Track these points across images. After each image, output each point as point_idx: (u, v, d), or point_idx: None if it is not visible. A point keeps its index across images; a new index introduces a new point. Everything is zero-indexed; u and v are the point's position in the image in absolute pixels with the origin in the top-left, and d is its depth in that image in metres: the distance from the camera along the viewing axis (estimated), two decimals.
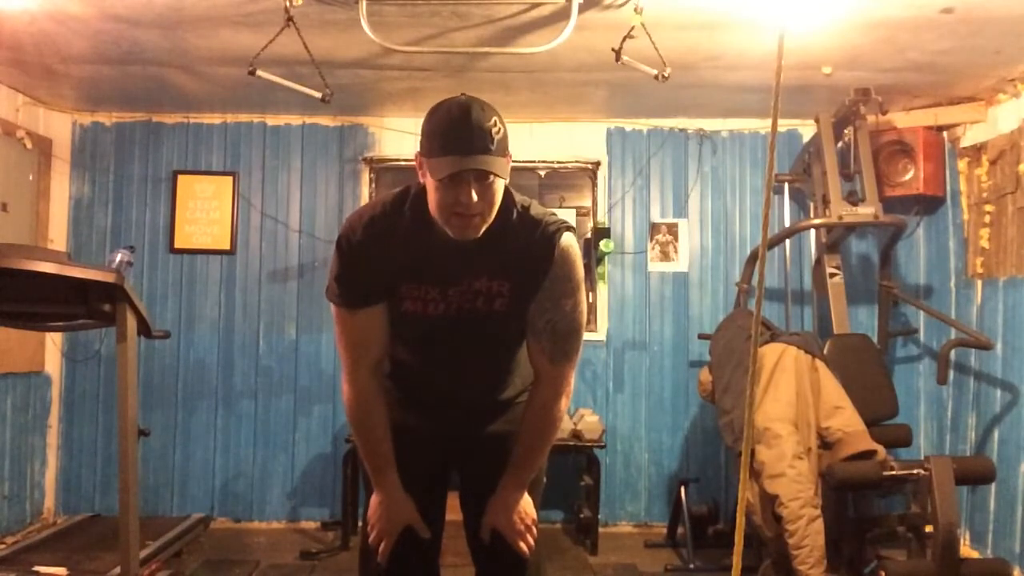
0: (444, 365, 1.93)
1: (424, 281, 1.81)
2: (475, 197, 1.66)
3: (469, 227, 1.71)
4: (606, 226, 4.89)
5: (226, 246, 4.92)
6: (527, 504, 1.96)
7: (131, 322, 2.76)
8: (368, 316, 1.84)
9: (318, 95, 3.75)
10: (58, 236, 4.83)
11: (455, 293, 1.81)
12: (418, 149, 1.75)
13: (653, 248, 4.97)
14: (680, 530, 4.33)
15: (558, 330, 1.83)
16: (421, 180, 1.77)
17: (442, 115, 1.70)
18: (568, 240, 1.81)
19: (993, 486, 3.95)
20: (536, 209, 1.84)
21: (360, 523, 2.04)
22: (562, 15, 3.23)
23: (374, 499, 1.96)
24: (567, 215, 4.49)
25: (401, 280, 1.81)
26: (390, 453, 1.92)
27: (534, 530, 1.97)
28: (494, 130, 1.67)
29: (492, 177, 1.68)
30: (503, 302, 1.82)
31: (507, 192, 1.80)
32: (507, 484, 1.94)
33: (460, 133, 1.65)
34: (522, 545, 1.94)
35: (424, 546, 2.00)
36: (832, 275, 4.24)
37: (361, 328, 1.85)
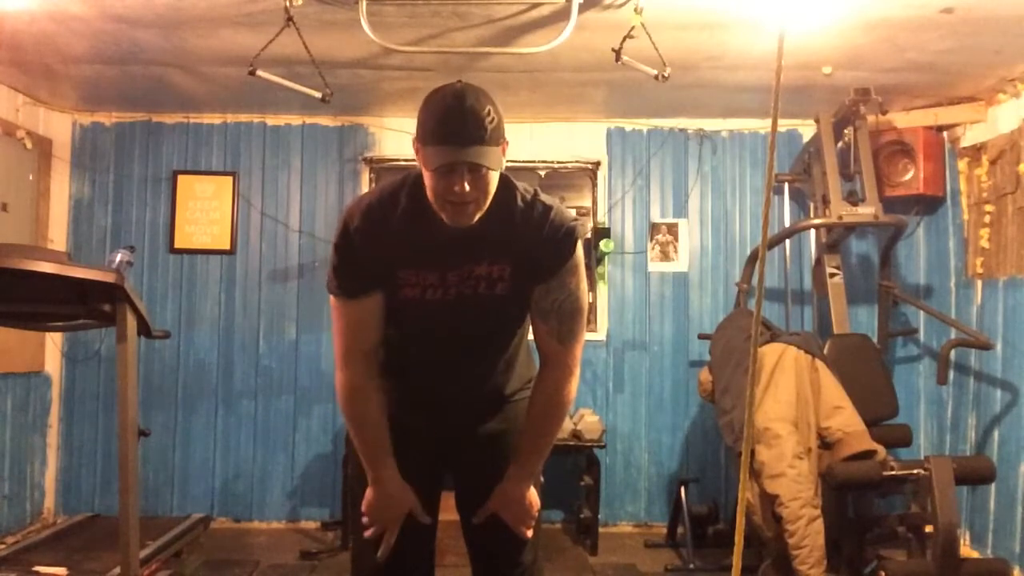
0: (442, 354, 1.91)
1: (422, 267, 1.81)
2: (468, 187, 1.68)
3: (463, 215, 1.72)
4: (606, 226, 4.89)
5: (226, 246, 4.92)
6: (533, 495, 1.95)
7: (131, 322, 2.76)
8: (366, 304, 1.83)
9: (318, 95, 3.75)
10: (58, 236, 4.83)
11: (454, 278, 1.81)
12: (415, 134, 1.75)
13: (653, 248, 4.97)
14: (680, 530, 4.33)
15: (564, 309, 1.84)
16: (419, 164, 1.77)
17: (437, 103, 1.69)
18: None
19: (993, 486, 3.95)
20: (545, 198, 1.85)
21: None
22: (562, 15, 3.23)
23: (370, 492, 1.92)
24: None
25: (399, 266, 1.81)
26: (387, 441, 1.89)
27: (531, 523, 1.96)
28: (488, 119, 1.67)
29: (485, 168, 1.69)
30: (504, 286, 1.82)
31: (508, 179, 1.81)
32: (515, 474, 1.92)
33: (454, 123, 1.65)
34: (523, 529, 1.93)
35: (420, 547, 1.99)
36: (832, 275, 4.25)
37: (359, 317, 1.84)
